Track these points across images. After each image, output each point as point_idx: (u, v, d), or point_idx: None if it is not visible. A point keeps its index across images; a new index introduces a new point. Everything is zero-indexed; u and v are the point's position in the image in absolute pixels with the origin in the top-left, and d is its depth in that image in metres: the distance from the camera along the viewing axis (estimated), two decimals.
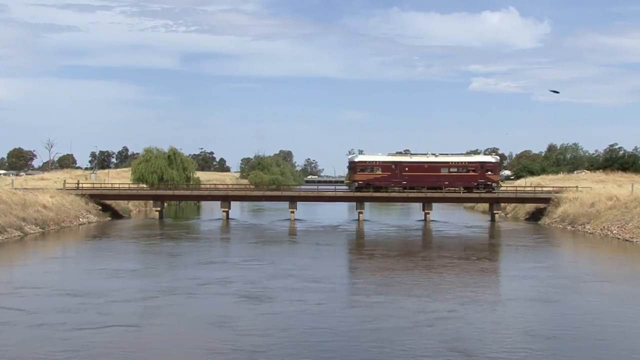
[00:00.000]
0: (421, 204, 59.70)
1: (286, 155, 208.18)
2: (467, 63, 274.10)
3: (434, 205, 59.80)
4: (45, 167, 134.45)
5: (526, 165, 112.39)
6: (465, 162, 60.81)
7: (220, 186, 74.44)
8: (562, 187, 60.02)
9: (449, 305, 20.92)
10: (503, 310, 20.87)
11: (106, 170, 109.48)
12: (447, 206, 74.45)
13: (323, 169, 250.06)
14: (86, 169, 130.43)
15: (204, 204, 76.54)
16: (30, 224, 42.82)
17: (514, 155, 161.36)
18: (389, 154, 61.78)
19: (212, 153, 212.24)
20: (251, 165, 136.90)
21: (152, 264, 31.36)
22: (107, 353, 15.63)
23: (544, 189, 62.20)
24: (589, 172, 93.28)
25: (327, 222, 56.00)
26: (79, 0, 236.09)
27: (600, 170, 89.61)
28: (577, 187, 57.63)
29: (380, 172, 59.03)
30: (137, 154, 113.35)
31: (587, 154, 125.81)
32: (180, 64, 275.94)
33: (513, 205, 65.26)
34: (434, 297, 22.48)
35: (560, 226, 50.53)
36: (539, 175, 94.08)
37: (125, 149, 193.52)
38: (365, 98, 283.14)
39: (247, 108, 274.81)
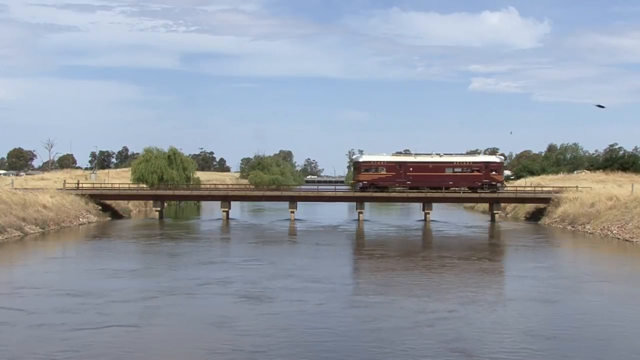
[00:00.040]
0: (421, 204, 59.71)
1: (286, 155, 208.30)
2: (467, 63, 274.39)
3: (434, 205, 59.81)
4: (45, 167, 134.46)
5: (526, 165, 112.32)
6: (469, 162, 60.83)
7: (220, 186, 74.44)
8: (562, 187, 60.02)
9: (449, 306, 20.91)
10: (503, 311, 20.87)
11: (106, 170, 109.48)
12: (447, 206, 74.45)
13: (323, 169, 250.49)
14: (86, 169, 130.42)
15: (204, 204, 76.55)
16: (30, 224, 42.82)
17: (514, 155, 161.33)
18: (394, 154, 61.80)
19: (212, 153, 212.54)
20: (251, 165, 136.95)
21: (152, 264, 31.35)
22: (107, 353, 15.62)
23: (544, 189, 62.20)
24: (589, 172, 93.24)
25: (327, 222, 56.00)
26: (79, 0, 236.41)
27: (600, 170, 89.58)
28: (577, 187, 57.63)
29: (384, 172, 59.04)
30: (137, 154, 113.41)
31: (587, 154, 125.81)
32: (180, 64, 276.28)
33: (513, 205, 65.26)
34: (434, 297, 22.48)
35: (560, 226, 50.53)
36: (539, 175, 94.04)
37: (125, 149, 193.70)
38: (365, 98, 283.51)
39: (247, 108, 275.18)
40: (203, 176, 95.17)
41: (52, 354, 15.48)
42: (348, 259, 34.25)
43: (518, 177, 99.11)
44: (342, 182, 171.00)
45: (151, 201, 61.71)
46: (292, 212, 57.07)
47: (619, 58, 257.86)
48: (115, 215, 58.83)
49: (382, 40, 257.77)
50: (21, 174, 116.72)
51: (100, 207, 56.04)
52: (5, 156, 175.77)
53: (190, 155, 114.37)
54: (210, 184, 77.55)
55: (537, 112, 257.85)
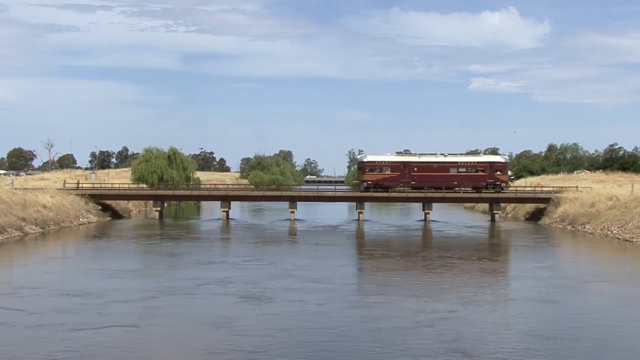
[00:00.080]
0: (421, 204, 59.71)
1: (286, 155, 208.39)
2: (467, 63, 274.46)
3: (434, 205, 59.80)
4: (45, 167, 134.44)
5: (526, 165, 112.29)
6: (474, 162, 60.88)
7: (220, 186, 74.45)
8: (562, 187, 60.01)
9: (449, 306, 20.90)
10: (503, 311, 20.86)
11: (106, 170, 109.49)
12: (447, 206, 74.44)
13: (323, 169, 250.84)
14: (86, 169, 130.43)
15: (204, 204, 76.54)
16: (30, 224, 42.81)
17: (514, 155, 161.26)
18: (398, 154, 61.72)
19: (212, 153, 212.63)
20: (251, 165, 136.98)
21: (151, 264, 31.34)
22: (106, 353, 15.61)
23: (544, 189, 62.19)
24: (589, 172, 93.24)
25: (327, 222, 55.99)
26: (79, 0, 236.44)
27: (600, 170, 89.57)
28: (577, 187, 57.62)
29: (389, 172, 59.05)
30: (137, 154, 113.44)
31: (587, 154, 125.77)
32: (180, 64, 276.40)
33: (513, 205, 65.24)
34: (434, 297, 22.46)
35: (560, 226, 50.52)
36: (539, 175, 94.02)
37: (125, 149, 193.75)
38: (365, 98, 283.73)
39: (247, 108, 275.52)
40: (203, 176, 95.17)
41: (52, 354, 15.47)
42: (348, 259, 34.23)
43: (518, 177, 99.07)
44: (342, 182, 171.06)
45: (151, 201, 61.70)
46: (292, 212, 57.06)
47: (619, 58, 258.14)
48: (115, 215, 58.82)
49: (382, 40, 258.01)
50: (21, 174, 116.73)
51: (100, 207, 56.04)
52: (5, 156, 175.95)
53: (190, 155, 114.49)
54: (210, 184, 77.55)
55: (537, 112, 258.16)
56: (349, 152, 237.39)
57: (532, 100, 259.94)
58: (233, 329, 17.95)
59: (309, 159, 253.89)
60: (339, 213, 67.48)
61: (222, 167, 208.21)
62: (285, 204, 59.45)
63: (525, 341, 17.02)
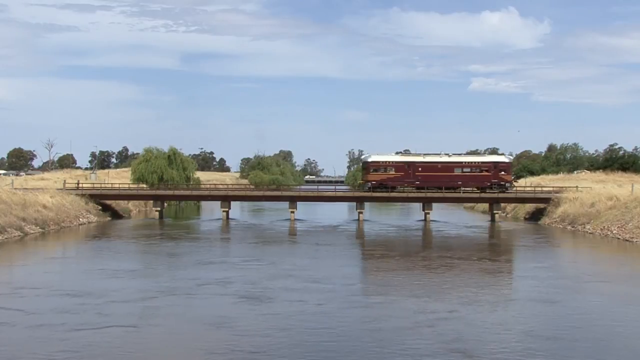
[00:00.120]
0: (421, 204, 59.71)
1: (286, 155, 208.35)
2: (467, 63, 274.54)
3: (434, 205, 59.79)
4: (45, 167, 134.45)
5: (526, 165, 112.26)
6: (478, 162, 60.93)
7: (220, 186, 74.45)
8: (562, 187, 60.00)
9: (450, 306, 20.89)
10: (503, 311, 20.84)
11: (106, 170, 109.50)
12: (447, 206, 74.43)
13: (323, 169, 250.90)
14: (86, 169, 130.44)
15: (204, 204, 76.52)
16: (30, 224, 42.80)
17: (514, 155, 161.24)
18: (403, 154, 61.69)
19: (212, 153, 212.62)
20: (251, 165, 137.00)
21: (151, 264, 31.33)
22: (106, 353, 15.60)
23: (544, 189, 62.19)
24: (589, 172, 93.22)
25: (327, 222, 55.98)
26: (79, 0, 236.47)
27: (600, 170, 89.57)
28: (577, 187, 57.61)
29: (393, 172, 59.04)
30: (137, 154, 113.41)
31: (587, 154, 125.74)
32: (180, 64, 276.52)
33: (513, 205, 65.24)
34: (434, 298, 22.46)
35: (560, 226, 50.51)
36: (539, 175, 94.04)
37: (125, 149, 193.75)
38: (365, 98, 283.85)
39: (247, 108, 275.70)
40: (203, 176, 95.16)
41: (52, 354, 15.47)
42: (348, 259, 34.20)
43: (518, 177, 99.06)
44: (342, 182, 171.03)
45: (151, 201, 61.69)
46: (292, 212, 57.05)
47: (619, 58, 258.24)
48: (115, 215, 58.82)
49: (382, 40, 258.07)
50: (21, 174, 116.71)
51: (100, 207, 56.03)
52: (5, 156, 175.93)
53: (190, 155, 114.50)
54: (210, 184, 77.55)
55: (537, 112, 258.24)
56: (349, 152, 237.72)
57: (532, 100, 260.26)
58: (233, 329, 17.95)
59: (309, 159, 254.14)
60: (339, 213, 67.47)
61: (222, 167, 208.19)
62: (285, 204, 59.44)
63: (526, 341, 17.02)
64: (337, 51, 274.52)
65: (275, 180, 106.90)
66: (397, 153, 63.78)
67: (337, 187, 78.84)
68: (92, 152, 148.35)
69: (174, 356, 16.05)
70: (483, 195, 59.39)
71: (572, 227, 48.62)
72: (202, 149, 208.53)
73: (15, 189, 51.39)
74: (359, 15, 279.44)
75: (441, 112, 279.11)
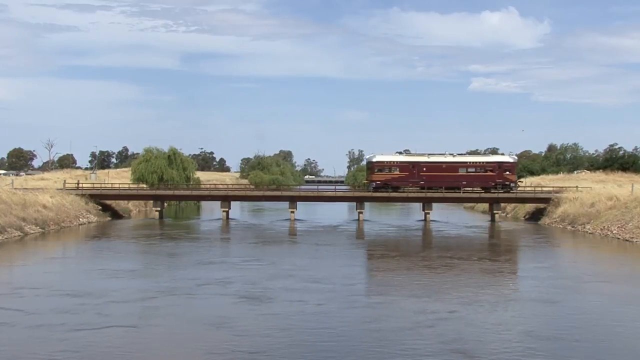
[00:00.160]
0: (421, 204, 59.70)
1: (286, 155, 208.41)
2: (467, 63, 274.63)
3: (434, 205, 59.79)
4: (45, 167, 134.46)
5: (526, 165, 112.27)
6: (483, 162, 60.95)
7: (220, 186, 74.45)
8: (562, 187, 60.00)
9: (450, 306, 20.88)
10: (504, 311, 20.83)
11: (106, 170, 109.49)
12: (447, 206, 74.42)
13: (323, 169, 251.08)
14: (86, 169, 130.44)
15: (204, 204, 76.50)
16: (30, 224, 42.79)
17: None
18: (407, 154, 61.65)
19: (212, 153, 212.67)
20: (251, 165, 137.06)
21: (151, 264, 31.33)
22: (106, 353, 15.59)
23: (544, 189, 62.19)
24: (589, 172, 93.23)
25: (327, 222, 55.97)
26: (79, 0, 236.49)
27: (600, 170, 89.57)
28: (577, 187, 57.60)
29: (398, 172, 59.03)
30: (137, 154, 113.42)
31: (587, 154, 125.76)
32: (180, 64, 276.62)
33: (513, 205, 65.24)
34: (434, 298, 22.45)
35: (560, 226, 50.50)
36: (539, 175, 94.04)
37: (125, 149, 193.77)
38: (365, 98, 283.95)
39: (247, 108, 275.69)
40: (203, 176, 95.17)
41: (52, 355, 15.46)
42: (348, 259, 34.18)
43: (518, 177, 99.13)
44: (342, 182, 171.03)
45: (151, 201, 61.68)
46: (292, 212, 57.04)
47: (619, 58, 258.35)
48: (115, 215, 58.81)
49: (382, 40, 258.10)
50: (21, 174, 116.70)
51: (100, 207, 56.02)
52: (5, 156, 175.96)
53: (190, 155, 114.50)
54: (210, 184, 77.54)
55: (537, 112, 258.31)
56: (349, 152, 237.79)
57: (532, 100, 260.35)
58: (233, 329, 17.94)
59: (309, 159, 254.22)
60: (339, 213, 67.46)
61: (222, 167, 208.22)
62: (285, 204, 59.43)
63: (526, 341, 17.01)
64: (337, 51, 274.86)
65: (275, 180, 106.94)
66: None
67: (337, 187, 78.82)
68: (92, 152, 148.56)
69: (174, 356, 16.05)
70: (483, 195, 59.40)
71: (572, 227, 48.61)
72: (202, 149, 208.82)
73: (15, 189, 51.38)
74: (359, 15, 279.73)
75: (441, 112, 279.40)
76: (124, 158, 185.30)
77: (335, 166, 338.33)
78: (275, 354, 15.81)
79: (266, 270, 27.95)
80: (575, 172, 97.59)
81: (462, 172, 59.35)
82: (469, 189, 59.24)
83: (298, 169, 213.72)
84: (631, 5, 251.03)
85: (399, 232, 50.35)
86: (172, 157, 74.32)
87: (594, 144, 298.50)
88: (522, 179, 66.88)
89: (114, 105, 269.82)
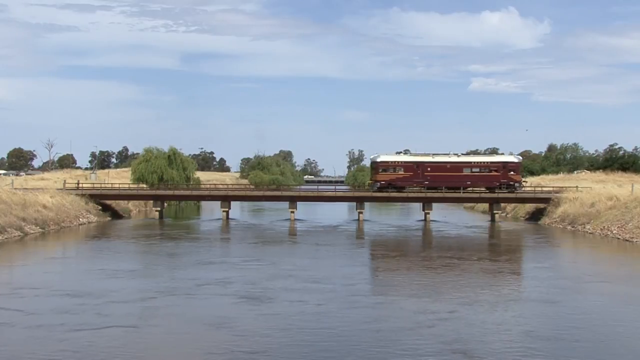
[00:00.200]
0: (421, 204, 59.70)
1: (286, 155, 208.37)
2: (467, 63, 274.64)
3: (434, 205, 59.78)
4: (45, 167, 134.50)
5: (526, 165, 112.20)
6: (487, 162, 60.94)
7: (220, 186, 74.45)
8: (562, 187, 60.01)
9: (450, 306, 20.88)
10: (504, 311, 20.81)
11: (106, 170, 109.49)
12: (447, 206, 74.42)
13: (323, 169, 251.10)
14: (86, 169, 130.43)
15: (204, 204, 76.49)
16: (30, 224, 42.79)
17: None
18: (412, 154, 61.64)
19: (212, 153, 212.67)
20: (251, 165, 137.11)
21: (151, 264, 31.32)
22: (105, 354, 15.58)
23: (544, 189, 62.18)
24: (589, 172, 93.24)
25: (327, 222, 55.97)
26: (79, 0, 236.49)
27: (600, 170, 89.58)
28: (577, 187, 57.61)
29: (402, 172, 59.00)
30: (137, 154, 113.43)
31: (587, 154, 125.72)
32: (180, 64, 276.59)
33: (513, 205, 65.24)
34: (434, 298, 22.44)
35: (560, 226, 50.50)
36: (539, 175, 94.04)
37: (125, 149, 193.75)
38: (365, 98, 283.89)
39: (247, 108, 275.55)
40: (203, 176, 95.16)
41: (52, 355, 15.45)
42: (348, 259, 34.18)
43: None
44: (342, 182, 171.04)
45: (151, 201, 61.68)
46: (292, 212, 57.03)
47: (619, 58, 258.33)
48: (115, 215, 58.80)
49: (382, 40, 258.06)
50: (21, 174, 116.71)
51: (100, 207, 56.01)
52: (5, 156, 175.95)
53: (190, 155, 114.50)
54: (210, 184, 77.54)
55: (537, 112, 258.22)
56: (349, 152, 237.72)
57: (532, 100, 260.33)
58: (233, 330, 17.93)
59: (309, 159, 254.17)
60: (339, 213, 67.46)
61: (222, 167, 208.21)
62: (285, 204, 59.43)
63: (526, 341, 17.00)
64: (337, 51, 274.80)
65: (275, 180, 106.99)
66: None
67: (337, 187, 78.83)
68: (92, 152, 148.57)
69: (174, 356, 16.04)
70: (483, 195, 59.41)
71: (572, 227, 48.61)
72: (202, 149, 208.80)
73: (15, 189, 51.36)
74: (359, 15, 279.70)
75: (441, 112, 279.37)
76: (124, 158, 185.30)
77: (335, 166, 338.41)
78: (275, 354, 15.81)
79: (266, 271, 27.95)
80: (575, 172, 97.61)
81: (466, 172, 59.35)
82: (474, 189, 59.20)
83: (298, 169, 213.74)
84: (631, 5, 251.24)
85: (399, 232, 50.35)
86: (172, 157, 74.33)
87: (594, 144, 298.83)
88: (526, 180, 66.66)
89: (114, 105, 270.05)
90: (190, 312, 20.05)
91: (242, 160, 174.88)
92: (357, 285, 25.50)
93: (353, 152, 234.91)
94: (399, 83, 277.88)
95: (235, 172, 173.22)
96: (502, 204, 61.88)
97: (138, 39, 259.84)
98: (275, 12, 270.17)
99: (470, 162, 60.87)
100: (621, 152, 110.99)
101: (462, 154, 61.45)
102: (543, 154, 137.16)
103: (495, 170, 59.21)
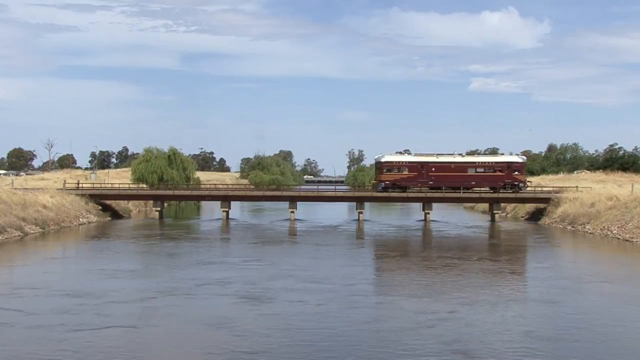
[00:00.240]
0: (421, 204, 59.70)
1: (286, 155, 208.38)
2: (467, 63, 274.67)
3: (434, 205, 59.78)
4: (45, 167, 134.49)
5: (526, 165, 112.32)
6: (492, 162, 60.90)
7: (220, 186, 74.45)
8: (562, 187, 60.00)
9: (450, 306, 20.87)
10: (504, 311, 20.81)
11: (106, 170, 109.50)
12: (447, 206, 74.42)
13: (323, 169, 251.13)
14: (86, 169, 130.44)
15: (204, 204, 76.48)
16: (30, 224, 42.78)
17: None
18: (416, 154, 61.69)
19: (212, 153, 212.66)
20: (251, 165, 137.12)
21: (151, 264, 31.31)
22: (105, 354, 15.57)
23: (544, 189, 62.18)
24: (589, 172, 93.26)
25: (327, 222, 55.96)
26: (79, 0, 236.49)
27: (600, 170, 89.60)
28: (577, 187, 57.60)
29: (406, 173, 58.97)
30: (137, 154, 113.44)
31: (587, 154, 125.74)
32: (180, 64, 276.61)
33: (513, 205, 65.23)
34: (434, 298, 22.44)
35: (560, 226, 50.49)
36: (539, 175, 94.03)
37: (125, 149, 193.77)
38: (365, 98, 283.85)
39: (247, 108, 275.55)
40: (203, 176, 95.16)
41: (51, 355, 15.45)
42: (348, 260, 34.18)
43: None
44: (342, 182, 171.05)
45: (151, 201, 61.68)
46: (292, 212, 57.03)
47: (619, 58, 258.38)
48: (115, 215, 58.79)
49: (382, 40, 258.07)
50: (21, 174, 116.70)
51: (100, 207, 56.00)
52: (5, 156, 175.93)
53: (190, 155, 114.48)
54: (210, 184, 77.54)
55: (537, 112, 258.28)
56: (349, 152, 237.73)
57: (532, 100, 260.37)
58: (233, 330, 17.93)
59: (309, 159, 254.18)
60: (339, 213, 67.46)
61: (222, 167, 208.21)
62: (285, 204, 59.43)
63: (526, 341, 17.00)
64: (337, 51, 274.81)
65: (275, 180, 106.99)
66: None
67: (337, 187, 78.84)
68: (92, 152, 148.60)
69: (174, 356, 16.04)
70: (483, 195, 59.42)
71: (572, 227, 48.60)
72: (202, 149, 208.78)
73: (15, 189, 51.36)
74: (359, 15, 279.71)
75: (441, 112, 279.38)
76: (124, 158, 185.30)
77: (335, 166, 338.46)
78: (275, 354, 15.81)
79: (266, 271, 27.94)
80: (575, 172, 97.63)
81: (470, 172, 59.33)
82: (478, 189, 59.20)
83: (298, 169, 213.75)
84: (631, 5, 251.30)
85: (399, 232, 50.35)
86: (172, 157, 74.33)
87: (594, 144, 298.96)
88: (530, 180, 66.64)
89: (114, 105, 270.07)
90: (190, 312, 20.05)
91: (242, 160, 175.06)
92: (357, 285, 25.50)
93: (353, 152, 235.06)
94: (399, 83, 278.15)
95: (235, 172, 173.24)
96: (502, 204, 61.89)
97: (138, 39, 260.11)
98: (275, 12, 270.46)
99: (475, 162, 60.94)
100: (621, 152, 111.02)
101: (467, 154, 61.43)
102: (543, 154, 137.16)
103: (500, 171, 59.19)
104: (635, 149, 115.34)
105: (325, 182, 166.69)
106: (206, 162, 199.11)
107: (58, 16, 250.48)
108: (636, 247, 37.65)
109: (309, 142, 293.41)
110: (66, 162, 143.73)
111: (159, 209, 58.02)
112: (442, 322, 18.79)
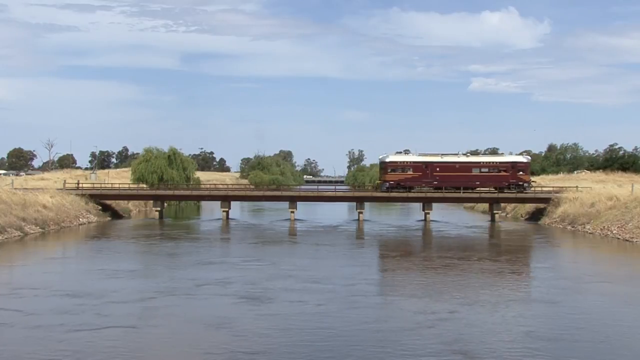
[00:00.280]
0: (421, 204, 59.69)
1: (286, 155, 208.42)
2: (467, 63, 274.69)
3: (434, 205, 59.77)
4: (45, 167, 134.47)
5: None
6: (496, 162, 60.94)
7: (220, 186, 74.44)
8: (562, 187, 60.00)
9: (450, 306, 20.87)
10: (504, 311, 20.80)
11: (106, 170, 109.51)
12: (447, 206, 74.41)
13: (323, 169, 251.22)
14: (86, 169, 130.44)
15: (204, 204, 76.47)
16: (30, 224, 42.78)
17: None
18: (420, 154, 61.71)
19: (212, 153, 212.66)
20: (251, 165, 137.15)
21: (151, 264, 31.31)
22: (105, 354, 15.57)
23: (544, 189, 62.16)
24: (589, 172, 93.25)
25: (327, 222, 55.96)
26: (79, 0, 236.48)
27: (600, 170, 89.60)
28: (577, 187, 57.59)
29: (411, 173, 58.98)
30: (137, 154, 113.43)
31: (587, 154, 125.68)
32: (180, 64, 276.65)
33: (513, 205, 65.23)
34: (434, 298, 22.43)
35: (560, 226, 50.49)
36: (539, 175, 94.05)
37: (125, 149, 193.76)
38: (365, 98, 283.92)
39: (247, 108, 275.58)
40: (203, 176, 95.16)
41: (51, 355, 15.44)
42: (348, 260, 34.18)
43: None
44: (342, 182, 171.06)
45: (151, 201, 61.67)
46: (292, 212, 57.02)
47: (619, 58, 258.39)
48: (115, 215, 58.79)
49: (382, 40, 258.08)
50: (21, 174, 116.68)
51: (100, 207, 56.00)
52: (5, 156, 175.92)
53: (190, 155, 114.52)
54: (210, 184, 77.53)
55: (537, 112, 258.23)
56: (349, 152, 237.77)
57: (532, 100, 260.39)
58: (233, 330, 17.93)
59: (309, 159, 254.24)
60: (339, 213, 67.45)
61: (222, 167, 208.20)
62: (285, 204, 59.42)
63: (526, 342, 16.99)
64: (337, 51, 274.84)
65: (275, 180, 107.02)
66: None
67: (337, 187, 78.86)
68: (92, 152, 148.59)
69: (174, 356, 16.03)
70: (483, 195, 59.42)
71: (572, 227, 48.59)
72: (202, 149, 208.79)
73: (15, 189, 51.35)
74: (359, 15, 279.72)
75: (441, 112, 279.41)
76: (124, 158, 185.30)
77: (335, 166, 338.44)
78: (275, 354, 15.80)
79: (266, 271, 27.94)
80: (575, 172, 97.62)
81: (475, 172, 59.35)
82: (483, 189, 59.21)
83: (298, 169, 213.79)
84: (631, 5, 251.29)
85: (399, 232, 50.34)
86: (172, 157, 74.34)
87: (594, 144, 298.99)
88: (535, 180, 66.66)
89: (114, 105, 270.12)
90: (190, 313, 20.04)
91: (242, 160, 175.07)
92: (357, 285, 25.49)
93: (353, 152, 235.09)
94: (399, 83, 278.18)
95: (235, 172, 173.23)
96: (502, 204, 61.89)
97: (138, 39, 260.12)
98: (275, 12, 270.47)
99: (479, 162, 61.01)
100: (621, 152, 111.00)
101: (471, 154, 61.43)
102: (543, 154, 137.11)
103: (505, 171, 59.19)
104: (635, 149, 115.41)
105: (325, 182, 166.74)
106: (206, 162, 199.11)
107: (58, 16, 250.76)
108: (636, 247, 37.65)
109: (309, 142, 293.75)
110: (66, 162, 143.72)
111: (159, 209, 58.01)
112: (442, 322, 18.79)
